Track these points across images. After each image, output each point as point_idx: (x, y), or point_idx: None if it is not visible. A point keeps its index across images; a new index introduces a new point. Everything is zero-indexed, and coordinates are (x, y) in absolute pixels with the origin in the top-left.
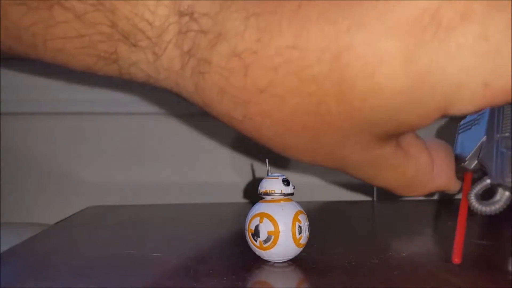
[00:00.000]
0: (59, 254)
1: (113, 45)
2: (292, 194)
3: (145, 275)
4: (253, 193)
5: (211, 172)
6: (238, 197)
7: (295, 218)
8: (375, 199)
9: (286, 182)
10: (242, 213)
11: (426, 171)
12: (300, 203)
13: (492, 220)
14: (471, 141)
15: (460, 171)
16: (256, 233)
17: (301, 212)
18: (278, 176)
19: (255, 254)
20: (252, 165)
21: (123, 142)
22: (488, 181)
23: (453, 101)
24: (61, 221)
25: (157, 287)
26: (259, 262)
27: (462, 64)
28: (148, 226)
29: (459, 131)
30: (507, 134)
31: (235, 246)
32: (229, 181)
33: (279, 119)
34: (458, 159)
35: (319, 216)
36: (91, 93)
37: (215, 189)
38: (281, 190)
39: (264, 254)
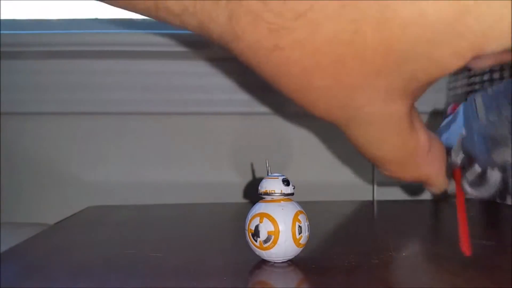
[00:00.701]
0: (59, 254)
1: None
2: (292, 194)
3: (145, 275)
4: (253, 193)
5: (211, 172)
6: (238, 197)
7: (295, 218)
8: (375, 199)
9: (286, 182)
10: (242, 213)
11: (424, 150)
12: (300, 203)
13: (492, 220)
14: (452, 138)
15: (449, 168)
16: (256, 233)
17: (301, 212)
18: (278, 176)
19: (255, 254)
20: (252, 165)
21: (123, 142)
22: (477, 167)
23: (491, 36)
24: (61, 221)
25: (157, 287)
26: (259, 262)
27: None
28: (148, 226)
29: (441, 134)
30: (484, 121)
31: (235, 246)
32: (229, 181)
33: (310, 50)
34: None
35: (319, 216)
36: (91, 93)
37: (215, 189)
38: (281, 190)
39: (264, 254)
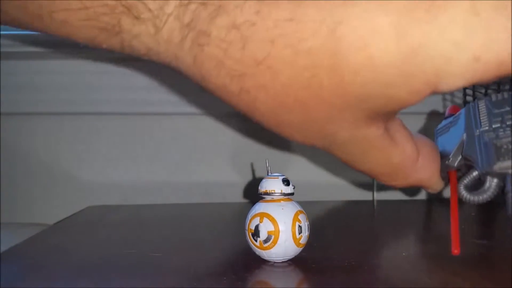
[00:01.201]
0: (59, 254)
1: (116, 17)
2: (292, 194)
3: (145, 275)
4: (253, 193)
5: (211, 172)
6: (238, 197)
7: (295, 218)
8: (375, 199)
9: (286, 182)
10: (242, 213)
11: (410, 160)
12: (300, 203)
13: (492, 220)
14: (451, 141)
15: (445, 169)
16: (256, 233)
17: (301, 212)
18: (278, 176)
19: (255, 254)
20: (252, 165)
21: (123, 142)
22: (476, 173)
23: (443, 76)
24: (61, 221)
25: (157, 287)
26: (259, 262)
27: (453, 38)
28: (148, 226)
29: (437, 135)
30: (487, 128)
31: (235, 246)
32: (229, 181)
33: (273, 93)
34: (442, 158)
35: (319, 216)
36: (91, 93)
37: (215, 189)
38: (281, 190)
39: (264, 254)
